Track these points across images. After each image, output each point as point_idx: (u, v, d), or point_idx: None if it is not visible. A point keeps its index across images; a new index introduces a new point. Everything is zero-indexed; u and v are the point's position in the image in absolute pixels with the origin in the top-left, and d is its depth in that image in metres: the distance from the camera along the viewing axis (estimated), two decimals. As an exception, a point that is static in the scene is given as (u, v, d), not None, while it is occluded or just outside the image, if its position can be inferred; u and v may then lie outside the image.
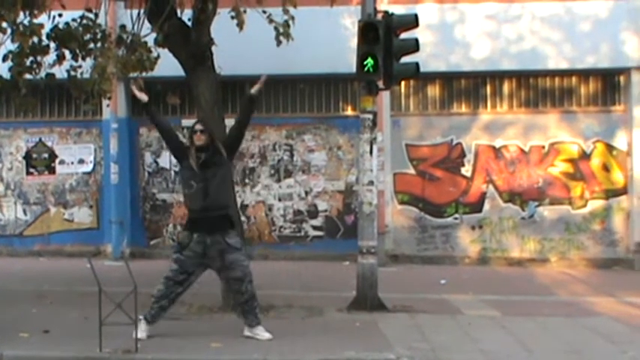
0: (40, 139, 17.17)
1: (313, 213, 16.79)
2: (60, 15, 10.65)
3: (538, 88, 16.78)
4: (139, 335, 8.10)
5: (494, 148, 16.62)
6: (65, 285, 12.65)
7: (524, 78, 16.73)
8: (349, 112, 16.74)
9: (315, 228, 16.79)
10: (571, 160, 16.56)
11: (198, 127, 8.62)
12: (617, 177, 16.51)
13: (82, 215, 17.17)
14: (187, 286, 8.59)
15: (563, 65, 16.37)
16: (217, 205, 8.46)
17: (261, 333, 8.59)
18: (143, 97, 8.79)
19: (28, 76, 10.68)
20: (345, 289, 11.68)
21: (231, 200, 9.61)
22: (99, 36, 10.74)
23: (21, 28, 9.70)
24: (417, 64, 11.08)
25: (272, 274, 13.52)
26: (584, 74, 16.65)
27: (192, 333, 8.79)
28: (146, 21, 10.37)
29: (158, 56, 10.26)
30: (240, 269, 8.50)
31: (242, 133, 9.03)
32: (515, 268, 16.05)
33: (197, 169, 8.43)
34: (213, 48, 10.63)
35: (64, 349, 8.03)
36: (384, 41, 10.70)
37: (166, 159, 16.88)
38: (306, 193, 16.81)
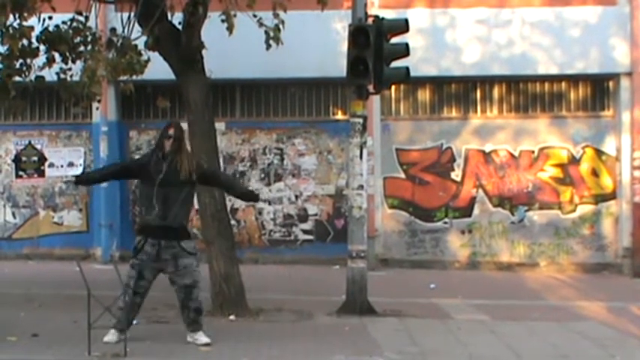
0: (30, 142, 17.13)
1: (303, 217, 16.79)
2: (50, 17, 10.63)
3: (528, 93, 16.82)
4: (107, 339, 8.10)
5: (484, 152, 16.65)
6: (54, 288, 12.61)
7: (514, 83, 16.77)
8: (339, 116, 16.75)
9: (304, 232, 16.79)
10: (560, 165, 16.61)
11: (172, 132, 8.27)
12: (606, 182, 16.56)
13: (72, 218, 17.14)
14: (144, 293, 8.36)
15: (553, 70, 16.42)
16: (176, 223, 8.22)
17: (201, 338, 8.40)
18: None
19: (17, 78, 10.65)
20: (334, 293, 11.68)
21: (188, 219, 8.78)
22: (89, 39, 10.74)
23: (10, 30, 9.67)
24: (407, 69, 11.09)
25: (262, 278, 13.51)
26: (574, 79, 16.70)
27: (182, 337, 8.75)
28: (136, 24, 10.34)
29: (148, 59, 10.23)
30: (190, 276, 8.26)
31: (214, 185, 9.10)
32: (504, 273, 16.08)
33: (158, 184, 8.09)
34: (204, 51, 10.62)
35: (52, 352, 8.01)
36: (375, 45, 10.71)
37: (156, 162, 16.84)
38: (296, 197, 16.82)
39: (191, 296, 8.32)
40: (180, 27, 10.49)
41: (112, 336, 8.20)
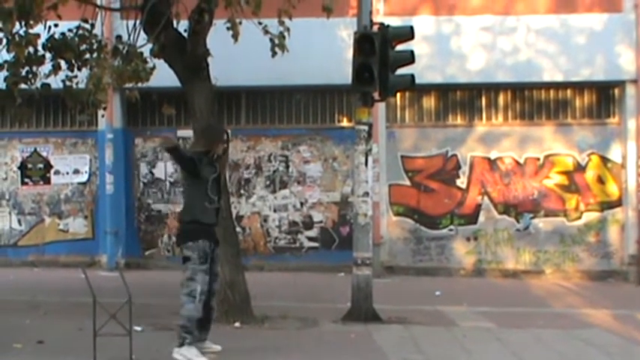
0: (35, 149, 17.15)
1: (308, 224, 16.78)
2: (56, 25, 10.66)
3: (533, 100, 16.81)
4: None
5: (489, 159, 16.64)
6: (59, 295, 12.63)
7: (519, 90, 16.76)
8: (345, 123, 16.75)
9: (310, 239, 16.78)
10: (566, 173, 16.59)
11: (226, 138, 8.44)
12: (612, 189, 16.54)
13: (77, 225, 17.14)
14: None
15: (558, 78, 16.41)
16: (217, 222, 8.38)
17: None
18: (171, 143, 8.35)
19: (23, 86, 10.69)
20: (339, 301, 11.67)
21: None
22: (95, 46, 10.76)
23: (17, 38, 9.69)
24: (412, 76, 11.12)
25: (267, 285, 13.50)
26: (579, 87, 16.69)
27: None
28: (142, 32, 10.38)
29: (154, 67, 10.26)
30: (218, 282, 8.39)
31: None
32: (510, 280, 16.06)
33: (211, 184, 8.11)
34: (209, 59, 10.64)
35: (58, 359, 8.01)
36: (380, 53, 10.72)
37: (161, 169, 16.89)
38: (302, 204, 16.81)
39: (215, 285, 8.29)
40: (185, 34, 10.51)
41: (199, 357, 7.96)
